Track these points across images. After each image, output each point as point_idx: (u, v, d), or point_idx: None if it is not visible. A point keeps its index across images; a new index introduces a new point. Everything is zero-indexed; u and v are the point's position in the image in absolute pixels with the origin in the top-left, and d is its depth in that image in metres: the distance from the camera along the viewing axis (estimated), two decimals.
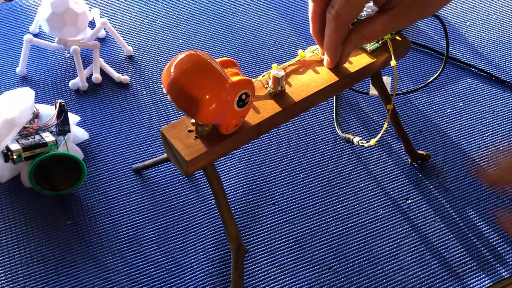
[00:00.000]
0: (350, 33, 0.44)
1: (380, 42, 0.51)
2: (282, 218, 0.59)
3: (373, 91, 0.64)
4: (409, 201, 0.62)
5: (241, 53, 0.77)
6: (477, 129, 0.70)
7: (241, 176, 0.63)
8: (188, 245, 0.56)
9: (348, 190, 0.62)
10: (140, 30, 0.80)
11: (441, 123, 0.70)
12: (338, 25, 0.42)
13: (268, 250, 0.56)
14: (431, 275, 0.55)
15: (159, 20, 0.82)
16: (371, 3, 0.45)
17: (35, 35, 0.77)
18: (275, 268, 0.55)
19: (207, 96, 0.38)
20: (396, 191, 0.63)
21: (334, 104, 0.71)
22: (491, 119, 0.71)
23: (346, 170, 0.64)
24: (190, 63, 0.38)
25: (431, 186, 0.63)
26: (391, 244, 0.58)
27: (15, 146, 0.53)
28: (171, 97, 0.39)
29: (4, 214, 0.57)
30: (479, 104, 0.73)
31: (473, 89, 0.75)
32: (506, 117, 0.71)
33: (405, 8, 0.42)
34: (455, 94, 0.74)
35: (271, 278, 0.54)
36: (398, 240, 0.58)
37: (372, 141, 0.53)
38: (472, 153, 0.67)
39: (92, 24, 0.79)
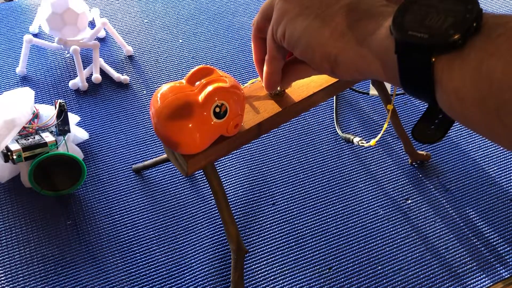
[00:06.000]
0: None
1: None
2: (282, 218, 0.59)
3: (373, 91, 0.64)
4: (409, 201, 0.62)
5: (241, 53, 0.77)
6: None
7: (241, 176, 0.63)
8: (188, 245, 0.56)
9: (348, 190, 0.62)
10: (140, 30, 0.80)
11: None
12: None
13: (268, 250, 0.56)
14: (431, 275, 0.55)
15: (159, 20, 0.82)
16: None
17: (35, 35, 0.77)
18: (275, 268, 0.55)
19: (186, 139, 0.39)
20: (396, 191, 0.63)
21: (334, 104, 0.71)
22: None
23: (346, 170, 0.64)
24: (160, 121, 0.39)
25: (431, 186, 0.63)
26: (391, 244, 0.58)
27: (15, 146, 0.53)
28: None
29: (4, 214, 0.57)
30: None
31: None
32: None
33: None
34: None
35: (271, 278, 0.54)
36: (398, 240, 0.58)
37: (372, 141, 0.53)
38: (472, 153, 0.67)
39: (92, 24, 0.79)
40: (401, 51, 0.27)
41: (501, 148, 0.67)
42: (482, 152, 0.67)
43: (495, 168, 0.66)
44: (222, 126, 0.41)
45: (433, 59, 0.25)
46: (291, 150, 0.66)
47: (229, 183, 0.62)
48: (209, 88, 0.40)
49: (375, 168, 0.65)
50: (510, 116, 0.23)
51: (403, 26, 0.27)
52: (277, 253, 0.56)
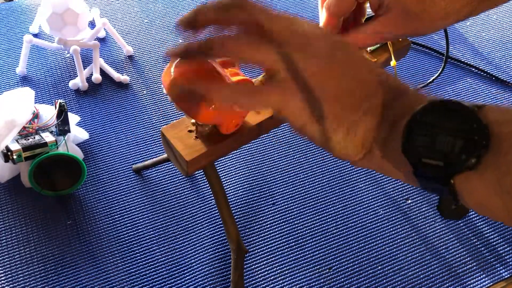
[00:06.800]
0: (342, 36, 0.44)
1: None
2: (282, 218, 0.59)
3: None
4: (409, 201, 0.62)
5: None
6: None
7: (241, 176, 0.63)
8: (188, 245, 0.56)
9: (348, 190, 0.62)
10: (140, 30, 0.80)
11: None
12: (327, 17, 0.42)
13: (268, 250, 0.56)
14: (431, 275, 0.55)
15: (159, 20, 0.82)
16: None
17: (35, 35, 0.77)
18: (275, 268, 0.55)
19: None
20: (396, 191, 0.63)
21: None
22: None
23: (346, 170, 0.64)
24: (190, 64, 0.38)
25: None
26: (391, 244, 0.58)
27: (15, 146, 0.53)
28: (172, 98, 0.39)
29: (4, 214, 0.57)
30: None
31: (473, 89, 0.75)
32: None
33: (391, 18, 0.42)
34: (455, 94, 0.74)
35: (271, 278, 0.54)
36: (398, 240, 0.58)
37: None
38: None
39: (92, 24, 0.79)
40: (419, 174, 0.28)
41: None
42: None
43: None
44: (230, 116, 0.40)
45: (452, 181, 0.26)
46: (291, 150, 0.66)
47: (229, 183, 0.62)
48: (243, 77, 0.40)
49: None
50: None
51: (416, 152, 0.27)
52: (277, 253, 0.56)
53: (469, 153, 0.25)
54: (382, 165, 0.31)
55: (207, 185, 0.61)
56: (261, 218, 0.59)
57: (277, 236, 0.58)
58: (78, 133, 0.62)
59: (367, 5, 0.45)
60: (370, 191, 0.62)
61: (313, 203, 0.61)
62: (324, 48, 0.31)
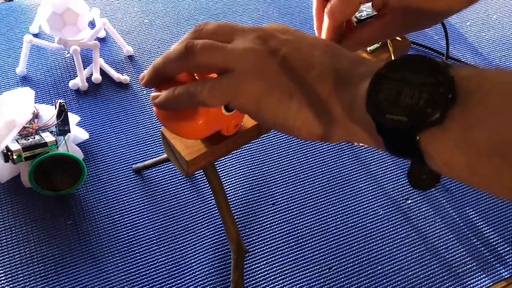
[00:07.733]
0: (344, 38, 0.44)
1: (380, 42, 0.51)
2: (282, 218, 0.59)
3: None
4: (409, 201, 0.62)
5: None
6: None
7: (241, 176, 0.63)
8: (188, 245, 0.56)
9: (348, 190, 0.62)
10: (140, 30, 0.80)
11: None
12: (331, 22, 0.42)
13: (268, 250, 0.56)
14: (431, 275, 0.55)
15: (159, 20, 0.82)
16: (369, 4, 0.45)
17: (35, 35, 0.77)
18: (275, 268, 0.55)
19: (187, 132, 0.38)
20: (396, 191, 0.63)
21: None
22: None
23: (346, 170, 0.64)
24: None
25: None
26: (391, 244, 0.58)
27: (15, 146, 0.53)
28: (158, 118, 0.39)
29: (4, 214, 0.57)
30: None
31: None
32: None
33: (397, 16, 0.42)
34: None
35: (271, 278, 0.54)
36: (398, 240, 0.58)
37: None
38: None
39: (92, 24, 0.79)
40: (383, 132, 0.27)
41: None
42: None
43: None
44: (225, 120, 0.40)
45: (417, 137, 0.25)
46: (291, 150, 0.66)
47: (229, 183, 0.62)
48: None
49: (375, 168, 0.65)
50: (506, 176, 0.24)
51: (379, 108, 0.26)
52: (277, 253, 0.56)
53: (434, 106, 0.24)
54: (355, 132, 0.30)
55: (207, 185, 0.61)
56: (261, 218, 0.59)
57: (277, 236, 0.58)
58: (78, 133, 0.62)
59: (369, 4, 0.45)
60: (370, 191, 0.62)
61: (313, 203, 0.61)
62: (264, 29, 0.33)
